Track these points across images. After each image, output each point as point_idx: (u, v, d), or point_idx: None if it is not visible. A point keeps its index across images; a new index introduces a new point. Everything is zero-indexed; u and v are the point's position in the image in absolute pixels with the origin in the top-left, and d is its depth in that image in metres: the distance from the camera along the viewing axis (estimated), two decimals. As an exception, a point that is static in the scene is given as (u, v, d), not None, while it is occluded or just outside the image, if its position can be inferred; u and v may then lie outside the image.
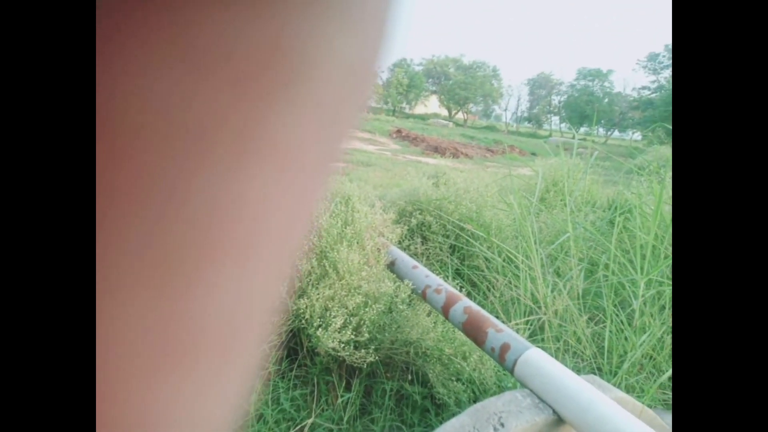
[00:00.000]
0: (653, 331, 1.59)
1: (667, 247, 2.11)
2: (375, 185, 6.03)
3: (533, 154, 15.87)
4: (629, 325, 1.70)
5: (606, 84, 36.08)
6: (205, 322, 0.14)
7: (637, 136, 32.54)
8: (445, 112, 41.64)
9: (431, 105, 43.34)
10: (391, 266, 1.73)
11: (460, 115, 40.58)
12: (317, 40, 0.12)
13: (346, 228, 1.61)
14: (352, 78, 0.14)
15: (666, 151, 11.14)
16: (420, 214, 2.72)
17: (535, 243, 2.09)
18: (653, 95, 30.80)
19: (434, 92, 40.74)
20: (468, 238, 2.46)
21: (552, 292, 1.90)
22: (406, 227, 2.68)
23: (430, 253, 2.57)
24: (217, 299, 0.14)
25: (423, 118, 36.17)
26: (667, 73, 31.96)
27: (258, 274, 0.15)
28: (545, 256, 2.15)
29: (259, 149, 0.13)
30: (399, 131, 17.88)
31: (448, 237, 2.58)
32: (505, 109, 43.47)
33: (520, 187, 4.41)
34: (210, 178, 0.12)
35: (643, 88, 34.25)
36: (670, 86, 23.96)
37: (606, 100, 35.71)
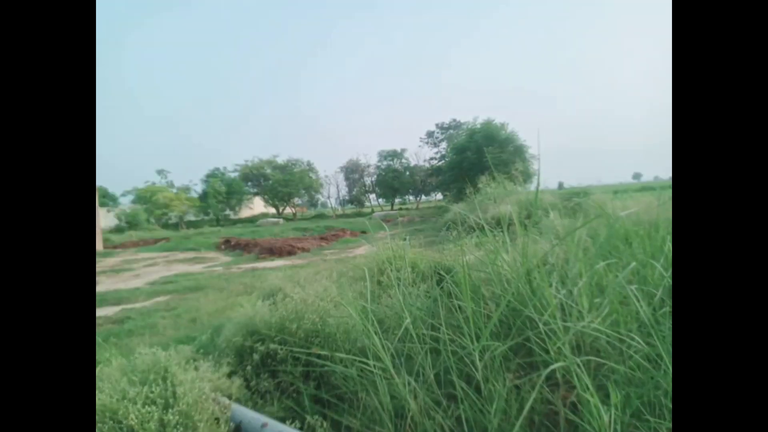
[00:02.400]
0: (499, 403, 1.75)
1: (486, 306, 2.44)
2: (209, 313, 5.41)
3: (363, 232, 17.07)
4: (479, 396, 1.84)
5: (403, 160, 42.79)
6: None
7: (440, 196, 38.95)
8: (272, 210, 41.90)
9: (257, 206, 43.14)
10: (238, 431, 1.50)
11: (288, 210, 41.39)
12: None
13: (168, 413, 1.34)
14: None
15: (461, 206, 13.46)
16: (262, 344, 2.51)
17: (380, 337, 2.13)
18: (440, 163, 37.71)
19: (257, 194, 40.83)
20: (316, 359, 2.36)
21: (408, 386, 1.94)
22: (249, 366, 2.42)
23: (282, 387, 2.35)
24: None
25: (252, 220, 35.47)
26: (443, 145, 39.91)
27: None
28: (394, 349, 2.21)
29: None
30: (227, 241, 16.95)
31: (298, 362, 2.43)
32: (328, 197, 46.50)
33: (356, 276, 4.59)
34: None
35: (431, 158, 41.85)
36: (449, 155, 29.74)
37: (407, 173, 42.09)
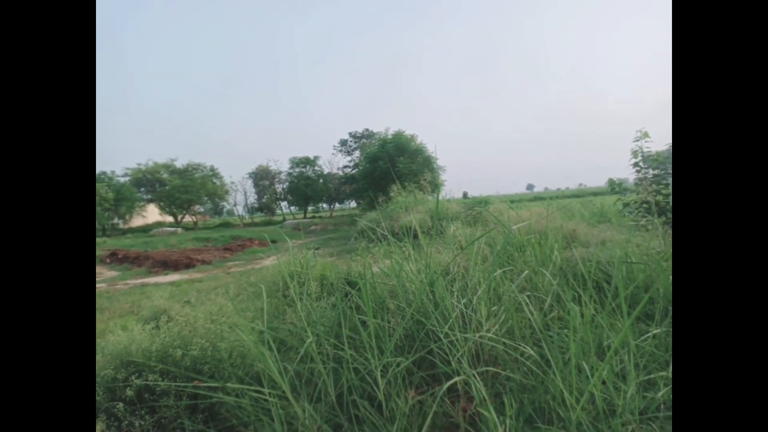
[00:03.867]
0: (401, 421, 1.69)
1: (390, 322, 2.39)
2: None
3: (273, 241, 16.36)
4: (380, 415, 1.76)
5: (316, 168, 42.12)
6: None
7: (354, 204, 39.09)
8: (170, 219, 38.11)
9: (151, 214, 38.87)
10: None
11: (188, 218, 38.04)
12: None
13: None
14: None
15: (374, 215, 13.59)
16: (138, 377, 2.15)
17: (278, 360, 1.95)
18: (353, 171, 37.93)
19: (151, 200, 36.85)
20: (205, 391, 2.08)
21: (305, 413, 1.78)
22: (121, 403, 2.05)
23: (163, 424, 2.03)
24: None
25: (145, 230, 31.86)
26: (357, 154, 40.30)
27: None
28: (293, 371, 2.04)
29: None
30: (114, 254, 14.93)
31: (183, 394, 2.12)
32: (235, 204, 43.77)
33: (259, 291, 4.27)
34: None
35: (345, 166, 41.84)
36: (362, 163, 30.06)
37: (321, 180, 41.55)
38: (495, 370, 1.95)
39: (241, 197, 44.00)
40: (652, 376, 1.81)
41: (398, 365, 1.90)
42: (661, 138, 6.36)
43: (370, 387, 1.93)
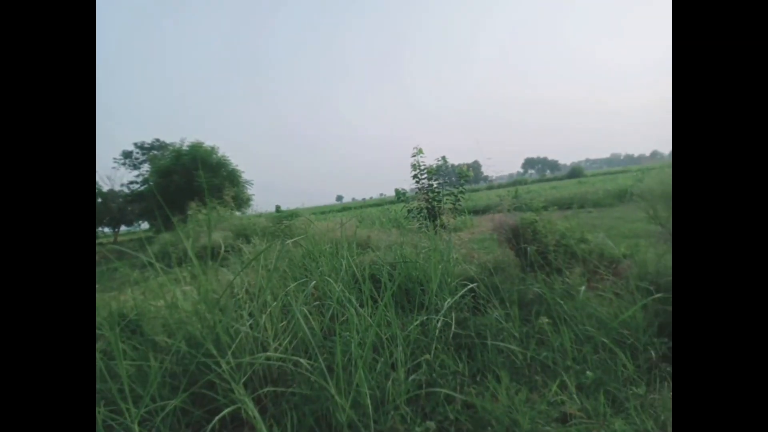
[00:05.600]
0: None
1: (163, 361, 2.07)
2: None
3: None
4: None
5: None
6: None
7: (146, 225, 33.43)
8: None
9: None
10: None
11: None
12: None
13: None
14: None
15: (169, 237, 11.96)
16: None
17: None
18: (142, 188, 32.46)
19: None
20: None
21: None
22: None
23: None
24: None
25: None
26: (146, 167, 34.75)
27: None
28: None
29: None
30: None
31: None
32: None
33: None
34: None
35: (132, 182, 35.39)
36: (153, 178, 26.13)
37: (99, 200, 34.03)
38: (275, 389, 1.90)
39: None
40: (418, 360, 2.09)
41: (163, 409, 1.65)
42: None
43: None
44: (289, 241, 3.36)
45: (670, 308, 2.56)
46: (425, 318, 2.43)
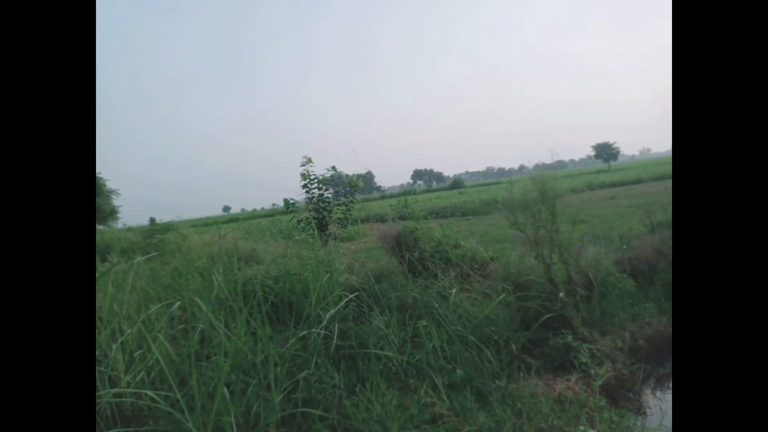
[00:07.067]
0: None
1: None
2: None
3: None
4: None
5: None
6: None
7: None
8: None
9: None
10: None
11: None
12: None
13: None
14: None
15: None
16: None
17: None
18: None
19: None
20: None
21: None
22: None
23: None
24: None
25: None
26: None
27: None
28: None
29: None
30: None
31: None
32: None
33: None
34: None
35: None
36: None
37: None
38: (125, 430, 1.64)
39: None
40: (296, 378, 1.99)
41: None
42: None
43: None
44: (140, 258, 2.96)
45: (527, 305, 2.91)
46: (306, 332, 2.34)
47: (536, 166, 4.57)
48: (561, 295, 2.82)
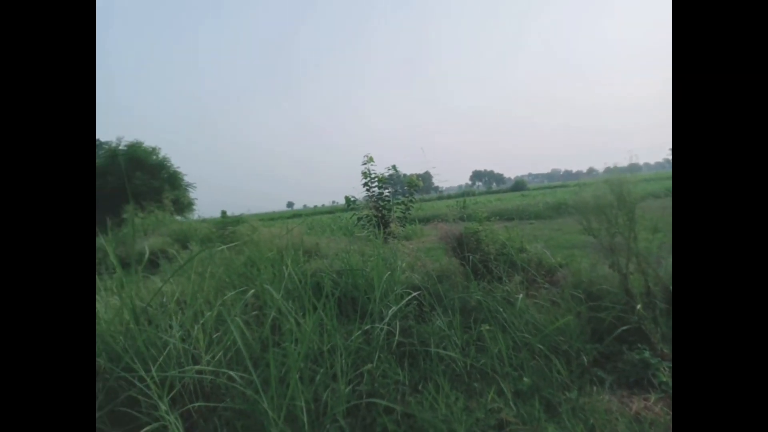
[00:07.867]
0: None
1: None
2: None
3: None
4: None
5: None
6: None
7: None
8: None
9: None
10: None
11: None
12: None
13: None
14: None
15: (101, 242, 11.04)
16: None
17: None
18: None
19: None
20: None
21: None
22: None
23: None
24: None
25: None
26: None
27: None
28: None
29: None
30: None
31: None
32: None
33: None
34: None
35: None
36: None
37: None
38: (206, 404, 1.78)
39: None
40: (360, 370, 2.04)
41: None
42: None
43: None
44: (222, 247, 3.19)
45: (600, 315, 2.74)
46: (369, 327, 2.39)
47: (607, 169, 4.28)
48: (638, 307, 2.62)
